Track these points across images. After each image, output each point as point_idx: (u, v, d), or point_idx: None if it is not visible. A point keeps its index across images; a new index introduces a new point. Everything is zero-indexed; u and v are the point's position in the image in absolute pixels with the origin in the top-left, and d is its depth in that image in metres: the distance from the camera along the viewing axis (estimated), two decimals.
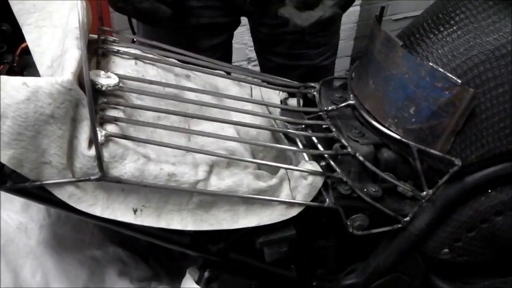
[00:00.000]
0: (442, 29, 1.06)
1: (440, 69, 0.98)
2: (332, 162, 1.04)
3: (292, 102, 1.22)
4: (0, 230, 1.08)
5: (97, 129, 0.78)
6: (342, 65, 2.89)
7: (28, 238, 1.09)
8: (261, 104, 1.14)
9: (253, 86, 1.20)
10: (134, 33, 1.39)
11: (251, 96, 1.18)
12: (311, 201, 1.00)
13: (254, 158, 1.03)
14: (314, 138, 1.07)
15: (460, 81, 0.96)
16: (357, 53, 2.81)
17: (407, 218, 1.10)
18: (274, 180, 0.96)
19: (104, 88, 0.85)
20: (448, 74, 0.97)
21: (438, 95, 0.98)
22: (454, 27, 1.04)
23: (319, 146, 1.07)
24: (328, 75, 1.29)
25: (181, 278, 1.09)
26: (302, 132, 1.09)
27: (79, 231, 1.16)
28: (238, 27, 1.52)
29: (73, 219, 1.14)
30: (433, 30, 1.07)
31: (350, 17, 2.74)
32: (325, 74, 1.31)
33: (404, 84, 1.01)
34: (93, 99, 0.76)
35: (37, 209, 1.12)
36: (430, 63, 1.00)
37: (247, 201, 0.94)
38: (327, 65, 1.59)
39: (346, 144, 1.05)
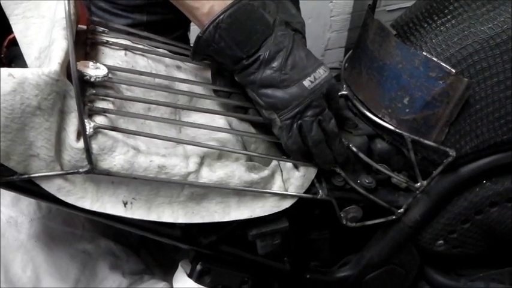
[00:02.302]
0: (436, 18, 1.05)
1: (434, 59, 0.97)
2: None
3: None
4: None
5: (85, 120, 0.77)
6: (335, 56, 2.89)
7: (18, 232, 1.08)
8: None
9: None
10: None
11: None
12: (304, 192, 0.99)
13: (246, 149, 1.01)
14: None
15: (454, 71, 0.95)
16: (351, 44, 2.80)
17: (402, 210, 1.09)
18: (266, 172, 0.95)
19: (92, 79, 0.83)
20: (442, 63, 0.96)
21: (432, 85, 0.97)
22: (448, 17, 1.04)
23: None
24: None
25: (174, 271, 1.09)
26: None
27: (70, 225, 1.14)
28: None
29: (64, 213, 1.13)
30: (427, 19, 1.06)
31: (344, 8, 2.73)
32: None
33: (397, 74, 1.00)
34: (81, 91, 0.74)
35: (27, 203, 1.11)
36: (424, 53, 0.99)
37: (239, 193, 0.93)
38: None
39: None
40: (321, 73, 0.93)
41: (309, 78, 0.92)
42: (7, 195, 1.11)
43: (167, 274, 1.21)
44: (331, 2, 2.68)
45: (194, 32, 1.82)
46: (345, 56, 1.28)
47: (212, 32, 0.89)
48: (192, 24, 1.48)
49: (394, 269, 1.22)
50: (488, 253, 1.24)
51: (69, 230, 1.14)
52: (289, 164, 0.98)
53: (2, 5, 0.90)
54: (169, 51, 1.07)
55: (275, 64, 0.91)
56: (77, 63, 0.79)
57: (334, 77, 1.23)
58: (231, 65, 0.94)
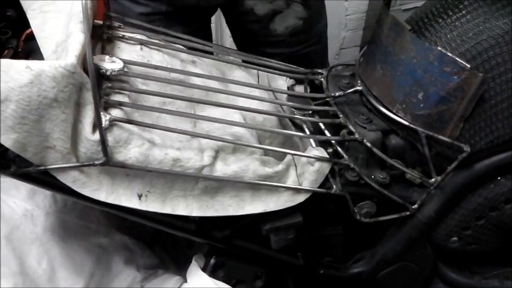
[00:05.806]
0: (450, 13, 1.04)
1: (449, 54, 0.96)
2: (339, 149, 1.03)
3: (300, 88, 1.21)
4: (6, 217, 1.08)
5: (101, 113, 0.77)
6: (351, 55, 2.89)
7: (34, 225, 1.09)
8: (268, 90, 1.13)
9: (260, 72, 1.18)
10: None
11: (258, 82, 1.18)
12: (318, 187, 0.99)
13: (260, 144, 1.02)
14: (321, 124, 1.06)
15: (469, 66, 0.95)
16: (366, 43, 2.79)
17: (416, 206, 1.09)
18: (280, 166, 0.95)
19: (108, 73, 0.84)
20: (456, 58, 0.96)
21: (447, 80, 0.96)
22: (463, 12, 1.03)
23: (326, 132, 1.06)
24: (309, 64, 1.27)
25: (188, 266, 1.09)
26: (309, 118, 1.08)
27: (85, 219, 1.15)
28: None
29: (79, 207, 1.14)
30: (441, 14, 1.05)
31: (359, 7, 2.73)
32: (306, 63, 1.29)
33: (412, 69, 1.00)
34: (97, 83, 0.75)
35: (43, 196, 1.12)
36: (439, 48, 0.99)
37: (254, 187, 0.93)
38: (308, 53, 1.57)
39: (354, 130, 1.04)
40: None
41: None
42: (23, 188, 1.12)
43: (181, 269, 1.21)
44: (346, 0, 2.67)
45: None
46: None
47: None
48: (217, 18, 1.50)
49: (408, 265, 1.22)
50: (503, 251, 1.23)
51: (84, 224, 1.15)
52: (303, 159, 0.98)
53: (20, 0, 0.91)
54: (186, 46, 1.07)
55: None
56: (93, 56, 0.80)
57: (351, 75, 1.24)
58: None
